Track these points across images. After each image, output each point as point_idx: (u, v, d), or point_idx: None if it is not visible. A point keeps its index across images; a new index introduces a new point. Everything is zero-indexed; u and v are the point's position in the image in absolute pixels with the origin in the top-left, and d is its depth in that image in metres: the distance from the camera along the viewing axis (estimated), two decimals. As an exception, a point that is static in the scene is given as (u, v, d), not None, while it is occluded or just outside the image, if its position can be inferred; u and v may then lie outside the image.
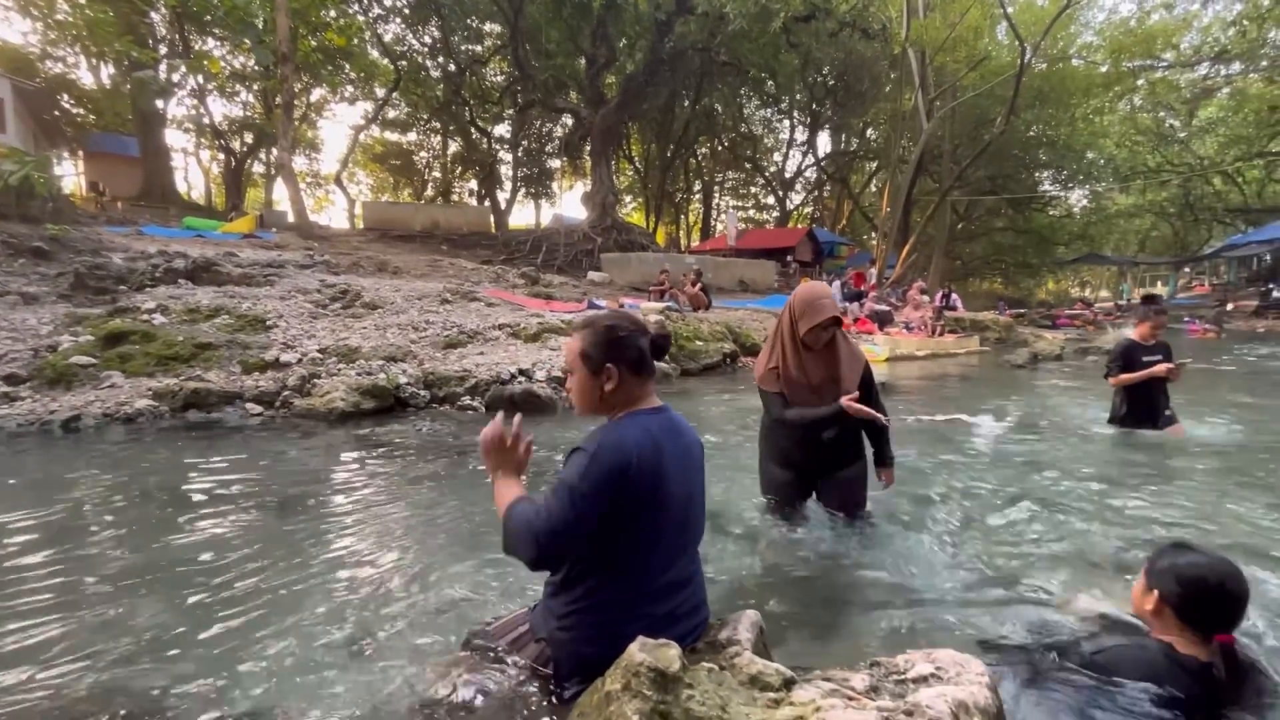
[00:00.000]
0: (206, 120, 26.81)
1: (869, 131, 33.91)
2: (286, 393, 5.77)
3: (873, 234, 37.20)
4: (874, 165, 36.15)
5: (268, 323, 7.03)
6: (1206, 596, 1.55)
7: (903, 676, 1.46)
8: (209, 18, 18.79)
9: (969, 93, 23.61)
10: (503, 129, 32.55)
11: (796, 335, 2.65)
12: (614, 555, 1.50)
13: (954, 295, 18.43)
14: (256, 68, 21.50)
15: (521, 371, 6.23)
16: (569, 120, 30.55)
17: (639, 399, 1.60)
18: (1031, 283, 40.44)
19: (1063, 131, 28.27)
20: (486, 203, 30.98)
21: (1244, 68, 24.71)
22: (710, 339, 9.46)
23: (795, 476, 2.81)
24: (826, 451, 2.71)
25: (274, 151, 30.58)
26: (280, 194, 31.66)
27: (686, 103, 27.60)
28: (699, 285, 13.22)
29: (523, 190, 34.78)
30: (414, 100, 30.01)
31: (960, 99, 23.71)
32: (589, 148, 23.77)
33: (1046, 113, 27.34)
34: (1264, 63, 23.37)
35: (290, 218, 18.78)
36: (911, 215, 24.48)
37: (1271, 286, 25.99)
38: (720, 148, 35.31)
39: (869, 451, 2.82)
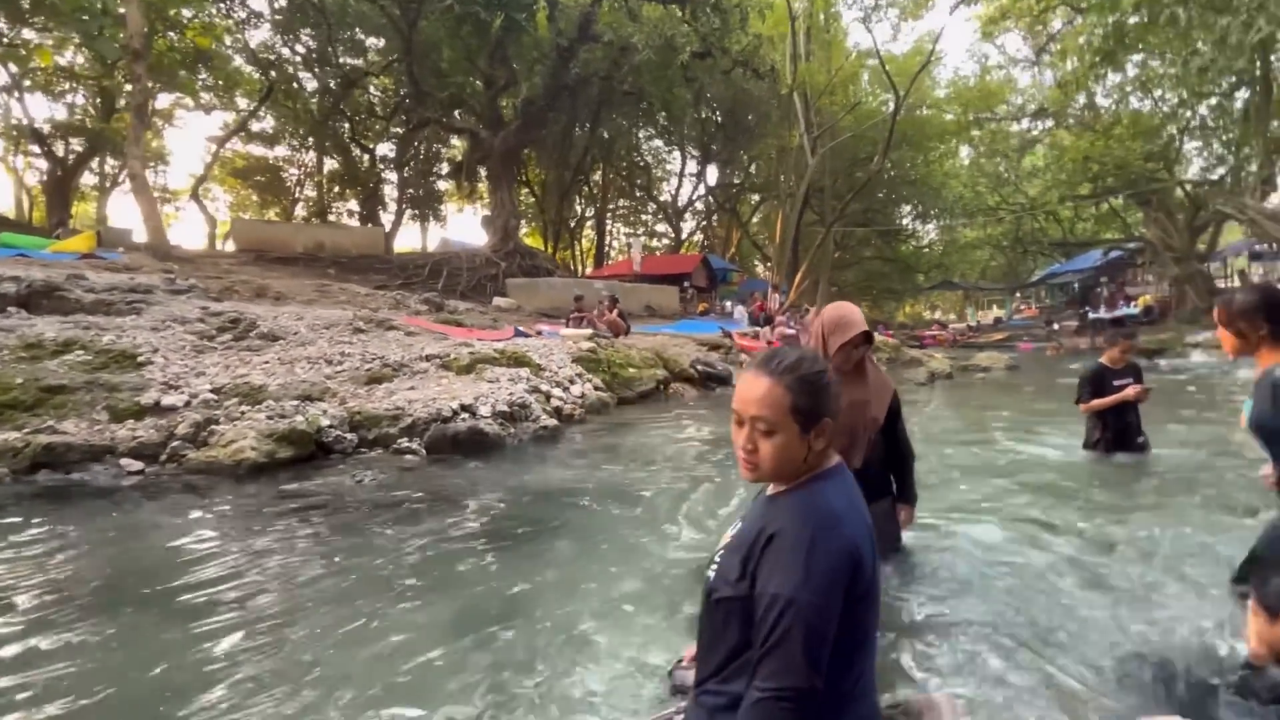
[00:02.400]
0: (23, 121, 22.87)
1: (753, 166, 35.95)
2: (176, 443, 4.77)
3: (762, 262, 39.35)
4: (758, 198, 38.35)
5: (139, 359, 5.86)
6: None
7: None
8: (27, 4, 16.08)
9: (846, 134, 25.72)
10: (387, 148, 30.84)
11: (838, 364, 2.49)
12: (833, 659, 1.19)
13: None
14: (90, 64, 18.70)
15: (464, 407, 5.63)
16: (457, 141, 29.60)
17: (830, 453, 1.31)
18: (893, 306, 44.64)
19: (920, 171, 31.70)
20: (369, 224, 29.00)
21: (1056, 123, 29.12)
22: (643, 365, 9.26)
23: None
24: (861, 479, 2.53)
25: (109, 161, 26.80)
26: (116, 209, 27.66)
27: (583, 129, 27.71)
28: (616, 311, 13.04)
29: (409, 212, 33.04)
30: (285, 113, 27.63)
31: (839, 139, 25.77)
32: (487, 171, 23.06)
33: (907, 154, 30.52)
34: (1070, 120, 27.65)
35: (137, 236, 16.36)
36: (799, 246, 26.06)
37: (1087, 309, 30.62)
38: (614, 175, 35.80)
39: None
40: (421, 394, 5.91)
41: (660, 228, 41.92)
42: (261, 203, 35.04)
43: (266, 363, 6.19)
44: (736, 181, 37.10)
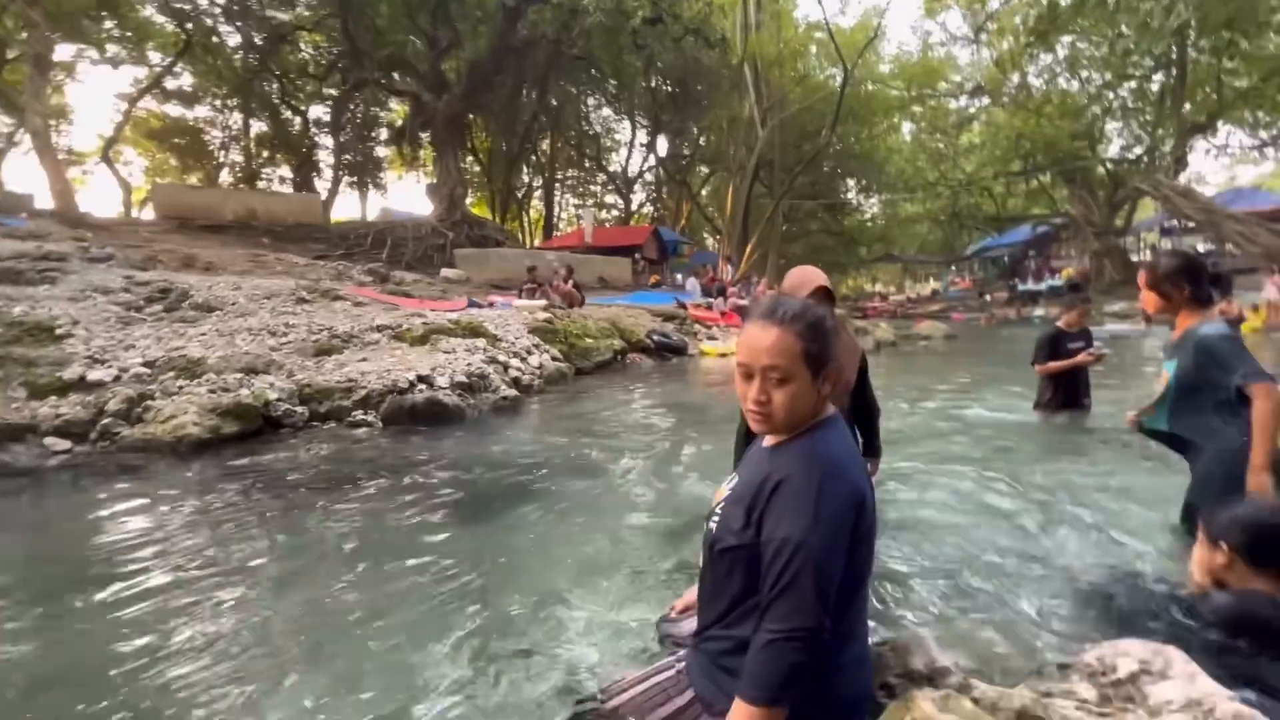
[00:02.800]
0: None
1: (704, 137, 35.82)
2: (107, 420, 4.47)
3: (712, 235, 39.51)
4: (708, 169, 38.32)
5: (57, 331, 5.42)
6: (1267, 540, 1.69)
7: (1113, 678, 1.38)
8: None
9: (795, 106, 25.88)
10: (321, 110, 29.07)
11: None
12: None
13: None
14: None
15: (421, 379, 5.48)
16: (397, 105, 28.21)
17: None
18: (838, 278, 45.83)
19: (865, 146, 32.36)
20: (305, 192, 27.45)
21: (992, 101, 30.19)
22: (600, 335, 9.22)
23: None
24: None
25: (2, 118, 24.29)
26: (13, 172, 25.19)
27: (531, 96, 26.88)
28: (570, 282, 12.89)
29: (346, 179, 31.43)
30: (205, 70, 25.58)
31: (788, 112, 25.92)
32: (430, 136, 22.13)
33: (853, 129, 31.05)
34: (1005, 99, 28.71)
35: (40, 201, 14.99)
36: (749, 218, 26.29)
37: (1015, 281, 32.28)
38: (562, 144, 34.98)
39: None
40: (375, 365, 5.71)
41: (610, 199, 41.42)
42: (182, 167, 32.57)
43: (204, 334, 5.84)
44: (687, 153, 36.88)
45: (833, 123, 23.11)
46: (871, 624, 1.85)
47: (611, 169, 37.81)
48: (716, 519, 1.34)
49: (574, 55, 20.76)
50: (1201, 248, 25.81)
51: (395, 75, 23.23)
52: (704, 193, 40.25)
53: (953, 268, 44.45)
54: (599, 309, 12.56)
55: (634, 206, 38.91)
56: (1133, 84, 24.18)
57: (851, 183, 36.78)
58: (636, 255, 25.96)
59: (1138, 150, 25.71)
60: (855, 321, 17.23)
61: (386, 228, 19.31)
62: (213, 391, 4.75)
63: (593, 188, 41.81)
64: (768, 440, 1.33)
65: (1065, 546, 2.52)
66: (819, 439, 1.26)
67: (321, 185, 29.85)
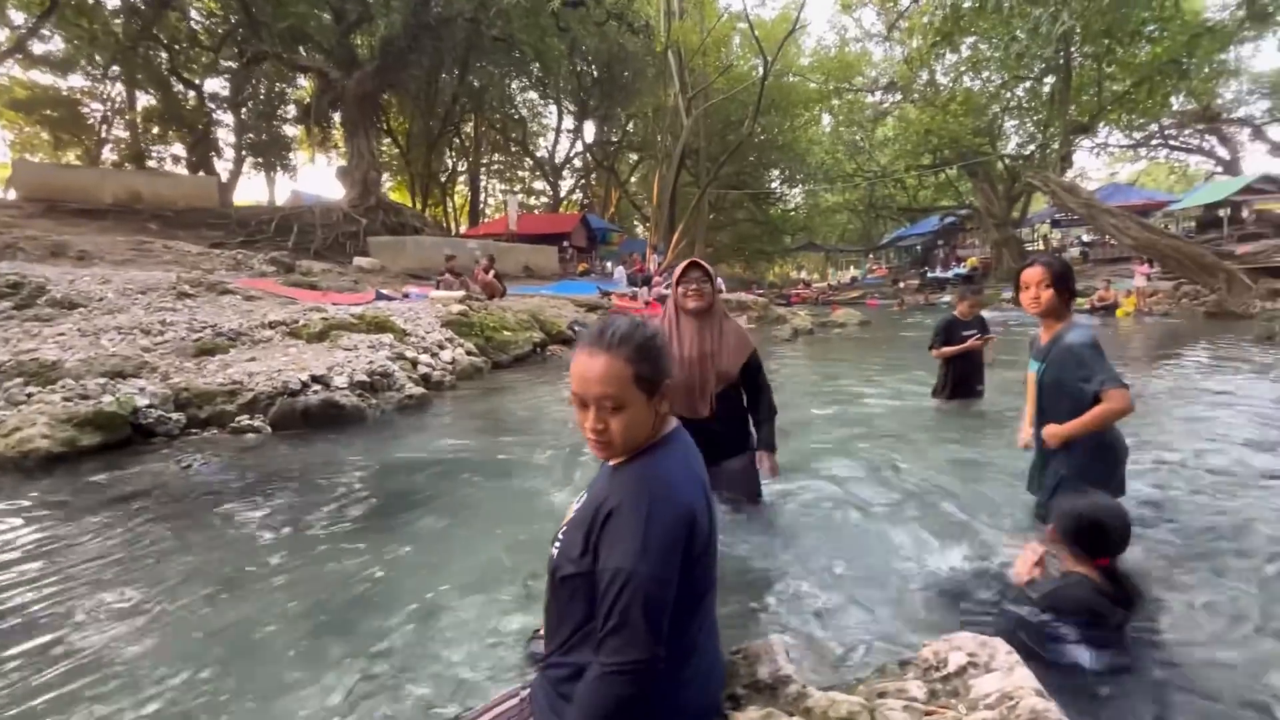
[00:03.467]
0: None
1: (631, 124, 35.67)
2: (-62, 435, 3.96)
3: (641, 222, 39.53)
4: (636, 157, 38.25)
5: (-123, 333, 4.75)
6: (1085, 529, 1.85)
7: (944, 672, 1.45)
8: None
9: (719, 96, 26.16)
10: (218, 84, 26.86)
11: (679, 301, 2.56)
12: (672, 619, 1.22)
13: (718, 279, 20.51)
14: None
15: (316, 379, 5.17)
16: (305, 81, 26.47)
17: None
18: (764, 266, 47.04)
19: (787, 137, 33.20)
20: (201, 173, 25.37)
21: (904, 97, 31.62)
22: (518, 328, 9.03)
23: None
24: (712, 438, 2.50)
25: None
26: None
27: (451, 76, 25.86)
28: (492, 272, 12.54)
29: (249, 160, 29.27)
30: (79, 34, 23.04)
31: (712, 101, 26.16)
32: (341, 116, 20.91)
33: (775, 120, 31.76)
34: (915, 95, 30.13)
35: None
36: (676, 206, 26.46)
37: (926, 269, 34.18)
38: (486, 128, 33.94)
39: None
40: (264, 365, 5.34)
41: (538, 185, 40.64)
42: (55, 142, 29.33)
43: (62, 335, 5.27)
44: (614, 139, 36.64)
45: (755, 113, 23.54)
46: (733, 630, 1.89)
47: (539, 154, 37.08)
48: (559, 544, 1.30)
49: (493, 36, 20.07)
50: (1085, 238, 28.21)
51: (300, 50, 21.75)
52: (633, 180, 40.20)
53: (870, 256, 46.56)
54: (521, 299, 12.32)
55: (562, 193, 38.36)
56: (1027, 85, 25.89)
57: (775, 173, 37.67)
58: (564, 243, 25.65)
59: (1031, 147, 27.59)
60: (777, 310, 17.75)
61: (293, 213, 18.15)
62: (69, 399, 4.29)
63: (520, 173, 40.92)
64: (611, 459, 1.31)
65: (932, 538, 2.65)
66: (654, 461, 1.24)
67: (223, 166, 27.68)
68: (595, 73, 29.17)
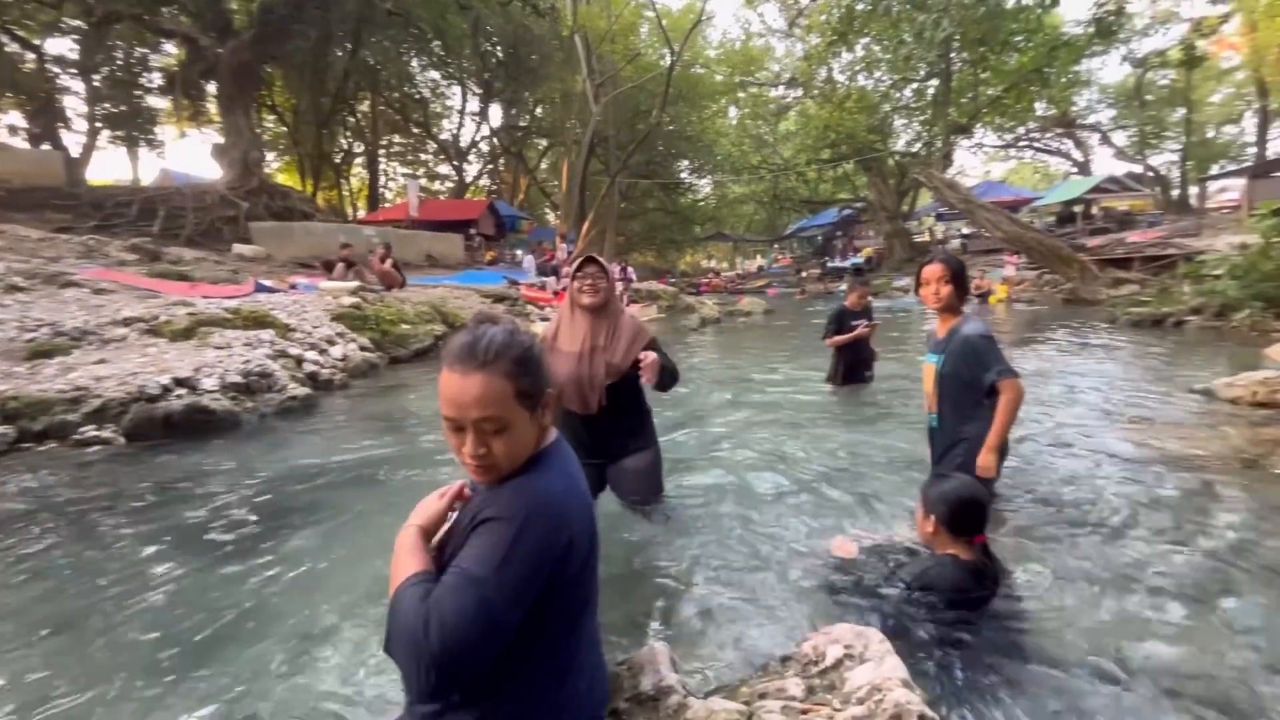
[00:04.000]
0: None
1: (539, 109, 34.87)
2: None
3: (551, 210, 38.90)
4: (545, 143, 37.49)
5: None
6: (966, 509, 1.96)
7: (822, 666, 1.48)
8: None
9: (628, 84, 26.08)
10: (65, 46, 23.59)
11: (574, 295, 2.50)
12: (545, 639, 1.14)
13: (630, 269, 20.52)
14: None
15: (180, 381, 4.65)
16: (172, 48, 23.79)
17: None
18: (675, 256, 47.74)
19: (695, 128, 33.69)
20: (46, 145, 22.25)
21: (804, 93, 32.92)
22: (418, 321, 8.61)
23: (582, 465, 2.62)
24: (605, 433, 2.53)
25: None
26: None
27: (343, 51, 24.12)
28: (389, 261, 11.87)
29: (107, 134, 26.01)
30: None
31: (621, 89, 26.05)
32: (216, 89, 19.00)
33: (683, 110, 32.13)
34: (815, 91, 31.45)
35: None
36: (586, 195, 26.21)
37: (826, 259, 35.97)
38: (384, 107, 32.00)
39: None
40: (116, 368, 4.74)
41: (442, 169, 38.92)
42: None
43: None
44: (522, 124, 35.67)
45: (663, 102, 23.67)
46: (623, 638, 1.86)
47: (442, 137, 35.47)
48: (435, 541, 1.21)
49: (388, 10, 18.88)
50: (965, 231, 30.67)
51: (163, 11, 19.47)
52: (542, 166, 39.41)
53: (775, 246, 48.37)
54: (423, 290, 11.76)
55: (468, 179, 36.97)
56: (914, 86, 27.66)
57: (684, 163, 38.16)
58: (471, 231, 24.75)
59: (918, 145, 29.56)
60: (686, 299, 18.03)
61: (161, 194, 16.32)
62: None
63: (422, 156, 38.99)
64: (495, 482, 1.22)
65: (823, 526, 2.75)
66: (535, 475, 1.15)
67: (73, 140, 24.40)
68: (500, 54, 28.20)
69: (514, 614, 1.03)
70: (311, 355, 6.25)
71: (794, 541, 2.60)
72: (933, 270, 2.55)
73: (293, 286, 9.99)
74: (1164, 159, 34.71)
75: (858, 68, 28.37)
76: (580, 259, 2.51)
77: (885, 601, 1.95)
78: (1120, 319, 10.37)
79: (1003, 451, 2.49)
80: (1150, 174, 32.57)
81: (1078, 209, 26.09)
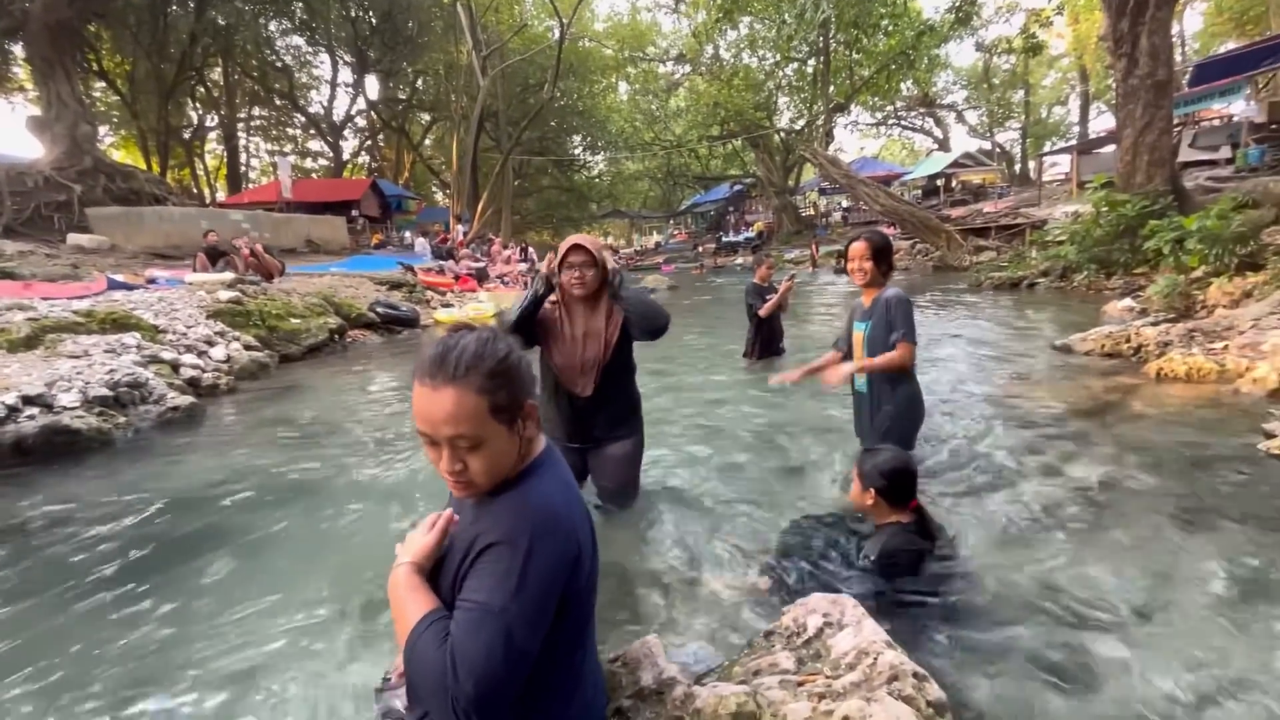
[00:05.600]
0: None
1: (420, 81, 32.86)
2: None
3: (440, 189, 37.02)
4: (429, 117, 35.47)
5: None
6: (900, 479, 2.13)
7: (805, 636, 1.55)
8: None
9: (515, 57, 25.14)
10: None
11: (565, 287, 2.40)
12: (557, 652, 1.11)
13: (530, 249, 20.06)
14: None
15: (29, 399, 4.01)
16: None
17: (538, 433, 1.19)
18: (570, 232, 47.19)
19: (587, 103, 33.22)
20: None
21: (693, 69, 33.36)
22: (309, 314, 7.94)
23: (563, 451, 2.56)
24: (592, 416, 2.47)
25: None
26: None
27: (182, 9, 21.35)
28: (254, 247, 10.75)
29: (-121, 102, 21.53)
30: None
31: (509, 62, 25.07)
32: (25, 50, 16.21)
33: (574, 85, 31.54)
34: (703, 68, 31.95)
35: None
36: (478, 173, 25.17)
37: (721, 234, 37.05)
38: (241, 76, 28.77)
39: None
40: (-58, 389, 4.00)
41: (314, 146, 35.85)
42: None
43: None
44: (402, 97, 33.48)
45: (554, 76, 23.09)
46: (604, 631, 1.85)
47: (311, 110, 32.53)
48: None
49: (238, -34, 16.88)
50: (845, 204, 32.67)
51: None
52: (428, 143, 37.32)
53: (671, 222, 49.11)
54: (308, 279, 10.85)
55: (345, 156, 34.29)
56: (795, 65, 28.80)
57: (577, 139, 37.59)
58: (354, 212, 23.07)
59: (801, 122, 30.93)
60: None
61: (-38, 177, 13.79)
62: None
63: (290, 131, 35.64)
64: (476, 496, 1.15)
65: (770, 501, 2.88)
66: (531, 488, 1.10)
67: None
68: (373, 21, 26.17)
69: (537, 640, 1.00)
70: (189, 359, 5.60)
71: (745, 519, 2.71)
72: (857, 248, 2.73)
73: (151, 281, 8.85)
74: (1008, 136, 38.67)
75: (743, 46, 29.07)
76: (566, 246, 2.36)
77: (845, 569, 2.08)
78: (984, 283, 11.55)
79: (917, 431, 2.79)
80: (998, 150, 36.21)
81: (940, 182, 28.56)
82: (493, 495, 1.10)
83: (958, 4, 17.13)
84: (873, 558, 2.00)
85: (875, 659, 1.35)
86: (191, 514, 3.13)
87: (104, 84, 24.60)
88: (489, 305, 11.46)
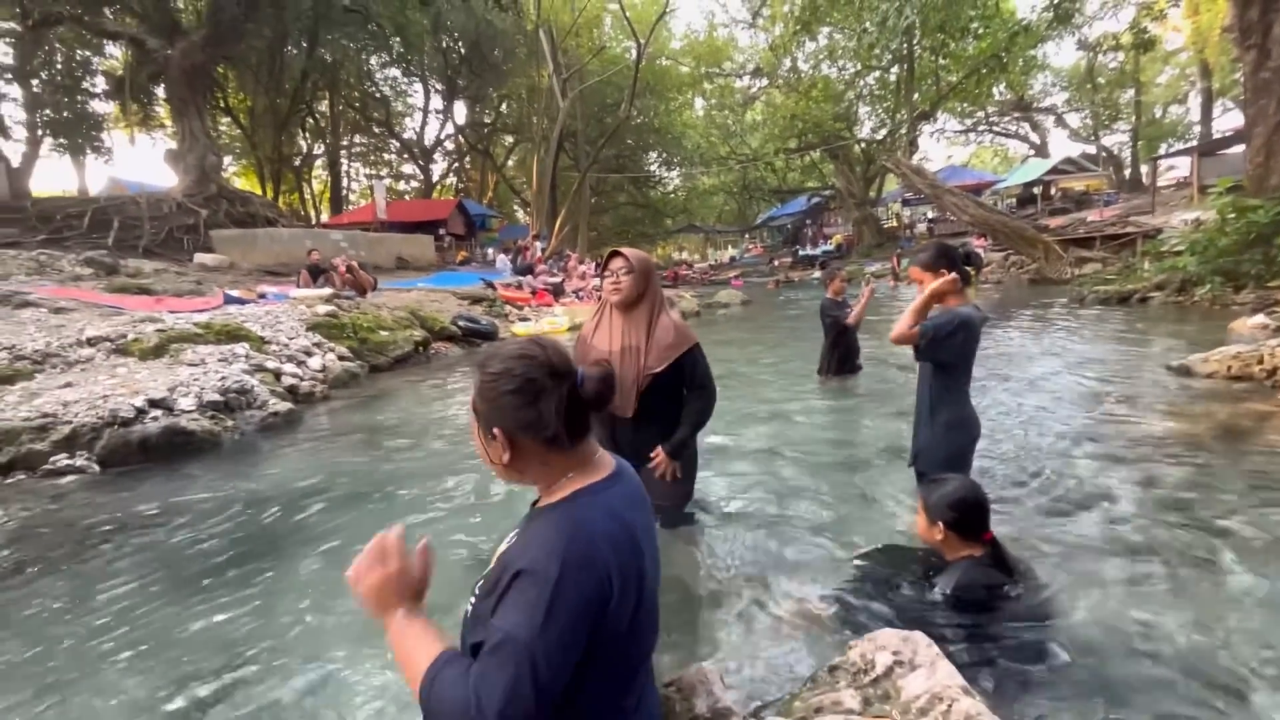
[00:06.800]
0: None
1: (504, 105, 34.41)
2: None
3: (521, 208, 38.45)
4: (512, 139, 37.02)
5: None
6: (970, 511, 1.97)
7: (873, 675, 1.46)
8: None
9: (594, 78, 25.86)
10: (-1, 50, 22.40)
11: (605, 293, 2.38)
12: (602, 682, 1.08)
13: (654, 266, 20.46)
14: None
15: (154, 402, 4.46)
16: (117, 50, 22.80)
17: (579, 467, 1.14)
18: (647, 248, 47.61)
19: (663, 120, 33.62)
20: (-16, 157, 21.15)
21: (770, 83, 33.08)
22: (396, 327, 8.41)
23: None
24: (637, 439, 2.35)
25: None
26: None
27: (297, 49, 23.40)
28: (349, 264, 11.55)
29: (49, 142, 24.83)
30: None
31: (587, 83, 25.83)
32: (166, 92, 18.28)
33: (651, 103, 32.03)
34: (780, 81, 31.62)
35: None
36: (557, 191, 25.98)
37: (797, 248, 36.32)
38: (344, 107, 31.21)
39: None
40: (85, 391, 4.52)
41: (407, 169, 38.20)
42: None
43: None
44: (488, 121, 35.17)
45: (631, 95, 23.54)
46: (659, 655, 1.81)
47: (405, 136, 34.77)
48: (473, 600, 1.13)
49: (345, 6, 18.36)
50: (931, 215, 31.22)
51: (106, 13, 18.62)
52: (510, 163, 38.93)
53: (746, 236, 48.65)
54: (397, 294, 11.52)
55: (435, 178, 36.35)
56: (877, 74, 27.98)
57: (653, 156, 38.07)
58: (441, 231, 24.33)
59: (883, 132, 29.95)
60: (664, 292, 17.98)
61: (113, 204, 15.63)
62: None
63: (386, 156, 38.22)
64: (540, 497, 1.17)
65: (839, 527, 2.75)
66: (575, 509, 1.07)
67: (12, 150, 23.22)
68: (462, 50, 27.70)
69: (564, 673, 0.97)
70: (290, 368, 6.06)
71: (812, 544, 2.60)
72: (914, 272, 2.66)
73: (262, 296, 9.67)
74: (1116, 139, 35.82)
75: (821, 57, 28.59)
76: (608, 254, 2.40)
77: (917, 605, 1.94)
78: (1088, 297, 10.67)
79: (970, 454, 2.60)
80: (1104, 154, 33.56)
81: (1037, 190, 26.78)
82: (542, 510, 1.11)
83: (1056, 1, 16.08)
84: (946, 592, 1.86)
85: (950, 706, 1.24)
86: (285, 513, 3.35)
87: (228, 119, 27.34)
88: (563, 319, 11.72)
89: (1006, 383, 5.24)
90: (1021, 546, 2.40)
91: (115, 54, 23.74)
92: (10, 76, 22.75)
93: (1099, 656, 1.80)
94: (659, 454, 2.38)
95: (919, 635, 1.52)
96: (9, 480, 3.87)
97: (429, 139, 34.81)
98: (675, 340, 2.34)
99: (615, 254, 2.38)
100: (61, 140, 25.40)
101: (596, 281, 14.45)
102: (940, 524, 1.97)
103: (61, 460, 3.97)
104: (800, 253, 33.97)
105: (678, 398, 2.42)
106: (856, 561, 2.31)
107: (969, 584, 1.87)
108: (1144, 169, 29.94)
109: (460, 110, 33.64)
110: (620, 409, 2.33)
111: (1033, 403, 4.54)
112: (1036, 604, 1.97)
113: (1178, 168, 26.39)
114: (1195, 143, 25.97)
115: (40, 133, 24.06)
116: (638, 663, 1.14)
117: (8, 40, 21.80)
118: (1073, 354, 6.44)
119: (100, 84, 25.09)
